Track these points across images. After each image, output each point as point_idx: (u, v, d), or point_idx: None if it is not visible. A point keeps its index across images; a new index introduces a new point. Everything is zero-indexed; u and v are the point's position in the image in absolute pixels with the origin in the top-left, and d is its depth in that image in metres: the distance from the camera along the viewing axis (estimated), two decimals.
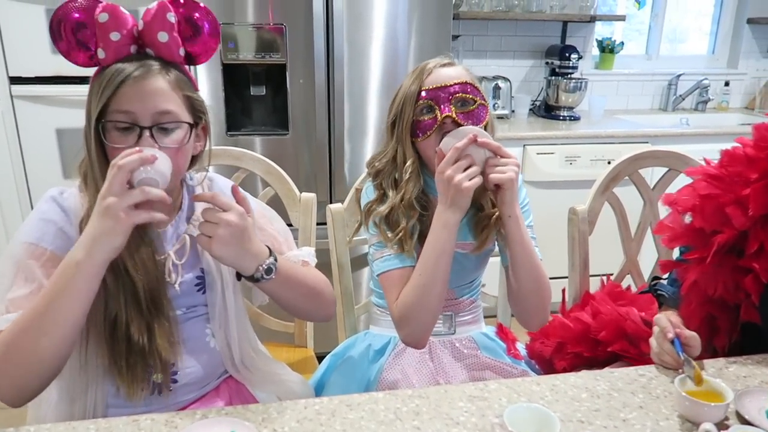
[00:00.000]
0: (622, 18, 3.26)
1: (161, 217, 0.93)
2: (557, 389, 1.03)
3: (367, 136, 2.41)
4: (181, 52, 1.06)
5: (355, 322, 1.59)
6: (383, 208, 1.24)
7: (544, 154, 2.76)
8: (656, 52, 3.62)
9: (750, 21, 3.54)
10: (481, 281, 1.41)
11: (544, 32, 3.30)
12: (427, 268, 1.17)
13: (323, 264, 1.29)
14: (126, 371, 1.01)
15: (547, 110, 3.26)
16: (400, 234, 1.22)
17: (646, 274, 1.67)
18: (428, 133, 1.19)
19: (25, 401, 0.97)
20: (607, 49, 3.42)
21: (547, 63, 3.29)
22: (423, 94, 1.20)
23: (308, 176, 2.39)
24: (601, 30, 3.47)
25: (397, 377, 1.29)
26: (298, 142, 2.36)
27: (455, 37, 2.97)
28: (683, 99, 3.53)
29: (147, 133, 0.98)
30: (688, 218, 1.19)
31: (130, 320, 1.00)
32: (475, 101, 1.19)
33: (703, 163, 1.22)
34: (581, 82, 3.15)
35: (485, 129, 1.22)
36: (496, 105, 3.10)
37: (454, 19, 2.40)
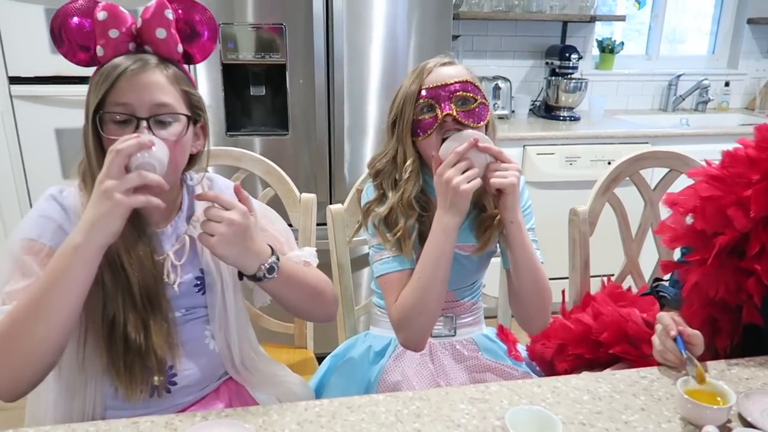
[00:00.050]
0: (622, 18, 3.25)
1: (158, 203, 0.92)
2: (558, 391, 1.02)
3: (367, 136, 2.41)
4: (179, 48, 1.06)
5: (355, 323, 1.59)
6: (382, 210, 1.23)
7: (544, 154, 2.76)
8: (656, 53, 3.62)
9: (750, 21, 3.53)
10: (482, 282, 1.41)
11: (544, 32, 3.29)
12: (426, 271, 1.16)
13: (323, 265, 1.28)
14: (124, 371, 1.00)
15: (547, 110, 3.25)
16: (399, 233, 1.21)
17: (647, 275, 1.67)
18: (429, 132, 1.19)
19: (19, 394, 0.95)
20: (607, 49, 3.41)
21: (547, 63, 3.28)
22: (423, 92, 1.19)
23: (308, 176, 2.38)
24: (600, 30, 3.46)
25: (398, 379, 1.29)
26: (298, 142, 2.36)
27: (455, 37, 2.97)
28: (683, 99, 3.53)
29: (144, 123, 0.98)
30: (689, 219, 1.18)
31: (127, 320, 0.99)
32: (476, 100, 1.19)
33: (704, 163, 1.22)
34: (581, 83, 3.15)
35: (486, 128, 1.22)
36: (496, 105, 3.10)
37: (453, 19, 2.39)
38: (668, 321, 1.10)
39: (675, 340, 1.07)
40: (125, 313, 0.99)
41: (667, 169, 1.66)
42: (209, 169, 1.17)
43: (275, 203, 1.44)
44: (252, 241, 1.00)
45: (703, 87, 3.50)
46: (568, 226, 1.59)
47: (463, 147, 1.11)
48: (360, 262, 1.64)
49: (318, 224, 1.58)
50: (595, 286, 1.58)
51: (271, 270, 1.03)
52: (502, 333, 1.44)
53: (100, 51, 1.01)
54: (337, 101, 2.29)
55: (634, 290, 1.57)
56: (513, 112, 3.21)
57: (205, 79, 2.22)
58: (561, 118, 3.16)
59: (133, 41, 1.03)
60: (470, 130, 1.16)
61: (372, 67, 2.33)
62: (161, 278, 1.05)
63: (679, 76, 3.48)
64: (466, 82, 1.19)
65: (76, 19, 1.01)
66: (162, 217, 1.10)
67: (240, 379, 1.18)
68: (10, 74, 2.26)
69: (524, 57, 3.33)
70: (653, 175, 1.68)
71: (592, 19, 3.16)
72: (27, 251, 0.98)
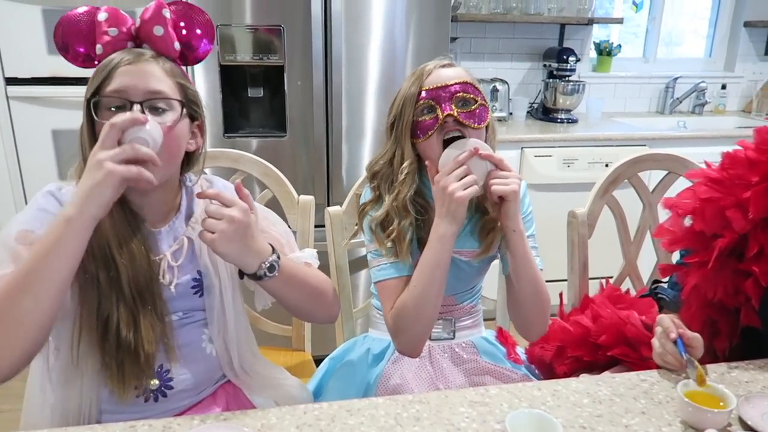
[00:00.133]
0: (619, 21, 3.26)
1: (150, 177, 0.92)
2: (559, 394, 1.02)
3: (365, 138, 2.41)
4: (176, 46, 1.07)
5: (353, 326, 1.58)
6: (379, 213, 1.23)
7: (542, 156, 2.76)
8: (653, 55, 3.62)
9: (747, 24, 3.54)
10: (481, 286, 1.40)
11: (541, 35, 3.30)
12: (423, 280, 1.16)
13: (321, 267, 1.28)
14: (116, 370, 1.00)
15: (544, 113, 3.26)
16: (393, 234, 1.21)
17: (645, 277, 1.67)
18: (429, 133, 1.18)
19: (3, 374, 0.93)
20: (605, 51, 3.42)
21: (544, 65, 3.28)
22: (423, 94, 1.19)
23: (306, 178, 2.38)
24: (597, 33, 3.47)
25: (397, 382, 1.28)
26: (296, 143, 2.35)
27: (453, 39, 2.97)
28: (680, 102, 3.54)
29: (137, 107, 0.98)
30: (688, 221, 1.18)
31: (120, 318, 0.99)
32: (476, 101, 1.18)
33: (703, 165, 1.22)
34: (579, 85, 3.15)
35: (486, 130, 1.21)
36: (493, 107, 3.10)
37: (452, 21, 2.39)
38: (668, 324, 1.10)
39: (675, 342, 1.07)
40: (118, 312, 0.99)
41: (666, 172, 1.66)
42: (207, 170, 1.17)
43: (273, 205, 1.43)
44: (253, 239, 0.99)
45: (700, 90, 3.51)
46: (567, 229, 1.59)
47: (464, 155, 1.10)
48: (358, 264, 1.63)
49: (316, 226, 1.58)
50: (593, 289, 1.58)
51: (272, 268, 1.02)
52: (501, 336, 1.44)
53: (99, 49, 1.03)
54: (335, 103, 2.29)
55: (633, 293, 1.57)
56: (511, 114, 3.21)
57: (203, 80, 2.21)
58: (558, 120, 3.17)
59: (131, 40, 1.05)
60: (472, 139, 1.15)
61: (370, 69, 2.33)
62: (156, 278, 1.04)
63: (676, 78, 3.49)
64: (466, 83, 1.19)
65: (78, 26, 1.04)
66: (159, 217, 1.10)
67: (238, 382, 1.18)
68: (7, 75, 2.25)
69: (522, 59, 3.33)
70: (650, 178, 1.68)
71: (590, 22, 3.17)
72: (20, 241, 0.98)
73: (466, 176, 1.10)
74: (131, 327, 0.99)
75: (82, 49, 1.05)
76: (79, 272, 0.97)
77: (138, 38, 1.05)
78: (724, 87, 3.61)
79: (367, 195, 1.30)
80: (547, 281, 1.23)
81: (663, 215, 1.33)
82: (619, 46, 3.44)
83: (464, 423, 0.94)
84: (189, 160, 1.12)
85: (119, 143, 0.91)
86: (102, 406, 1.05)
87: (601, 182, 1.59)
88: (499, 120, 3.10)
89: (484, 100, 1.20)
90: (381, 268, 1.24)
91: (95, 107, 1.00)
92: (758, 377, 1.08)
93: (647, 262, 1.66)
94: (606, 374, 1.23)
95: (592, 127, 3.08)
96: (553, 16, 3.16)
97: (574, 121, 3.16)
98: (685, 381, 0.98)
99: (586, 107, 3.32)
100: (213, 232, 0.95)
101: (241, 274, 1.05)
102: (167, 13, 1.05)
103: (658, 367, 1.13)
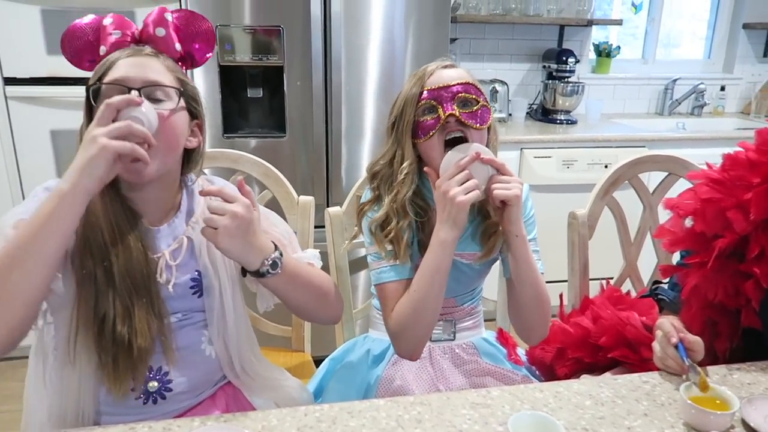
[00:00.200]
0: (618, 22, 3.27)
1: (143, 154, 0.93)
2: (561, 396, 1.02)
3: (364, 139, 2.40)
4: (178, 47, 1.10)
5: (353, 326, 1.58)
6: (379, 215, 1.22)
7: (541, 157, 2.76)
8: (652, 57, 3.63)
9: (746, 26, 3.55)
10: (482, 288, 1.40)
11: (541, 36, 3.30)
12: (422, 285, 1.16)
13: (322, 267, 1.27)
14: (111, 366, 0.99)
15: (544, 114, 3.26)
16: (391, 235, 1.20)
17: (646, 278, 1.67)
18: (431, 134, 1.17)
19: None
20: (604, 53, 3.42)
21: (544, 67, 3.28)
22: (425, 94, 1.18)
23: (305, 179, 2.37)
24: (596, 34, 3.47)
25: (397, 383, 1.28)
26: (295, 144, 2.35)
27: (452, 41, 2.97)
28: (679, 103, 3.54)
29: (135, 92, 0.99)
30: (688, 222, 1.18)
31: (116, 315, 0.98)
32: (478, 102, 1.18)
33: (703, 167, 1.21)
34: (578, 86, 3.15)
35: (488, 131, 1.21)
36: (493, 108, 3.07)
37: (451, 22, 2.39)
38: (669, 328, 1.10)
39: (676, 347, 1.07)
40: (114, 308, 0.99)
41: (666, 173, 1.66)
42: (206, 171, 1.17)
43: (273, 205, 1.43)
44: (255, 235, 0.99)
45: (699, 91, 3.51)
46: (567, 230, 1.58)
47: (465, 160, 1.10)
48: (358, 264, 1.63)
49: (315, 227, 1.57)
50: (593, 290, 1.58)
51: (274, 265, 1.02)
52: (502, 336, 1.44)
53: (103, 50, 1.06)
54: (334, 103, 2.28)
55: (633, 294, 1.57)
56: (510, 115, 3.21)
57: (203, 80, 2.21)
58: (558, 121, 3.17)
59: (134, 42, 1.08)
60: (474, 144, 1.15)
61: (370, 70, 2.33)
62: (153, 276, 1.04)
63: (675, 80, 3.49)
64: (468, 84, 1.18)
65: (85, 37, 1.07)
66: (159, 216, 1.09)
67: (239, 383, 1.17)
68: (5, 75, 2.24)
69: (521, 60, 3.33)
70: (649, 179, 1.68)
71: (589, 23, 3.17)
72: (15, 228, 0.97)
73: (467, 181, 1.10)
74: (126, 321, 0.99)
75: (88, 57, 1.08)
76: (76, 268, 0.98)
77: (141, 41, 1.08)
78: (722, 89, 3.61)
79: (367, 196, 1.30)
80: (547, 282, 1.23)
81: (663, 216, 1.32)
82: (618, 47, 3.44)
83: (466, 425, 0.93)
84: (189, 158, 1.12)
85: (114, 121, 0.92)
86: (101, 408, 1.04)
87: (601, 183, 1.59)
88: (499, 121, 3.10)
89: (486, 101, 1.20)
90: (381, 270, 1.23)
91: (95, 95, 1.01)
92: (760, 379, 1.08)
93: (647, 263, 1.66)
94: (607, 375, 1.23)
95: (591, 129, 3.08)
96: (553, 17, 3.17)
97: (573, 123, 3.16)
98: (687, 383, 0.98)
99: (586, 108, 3.32)
100: (215, 228, 0.95)
101: (244, 271, 1.05)
102: (169, 16, 1.08)
103: (658, 368, 1.13)
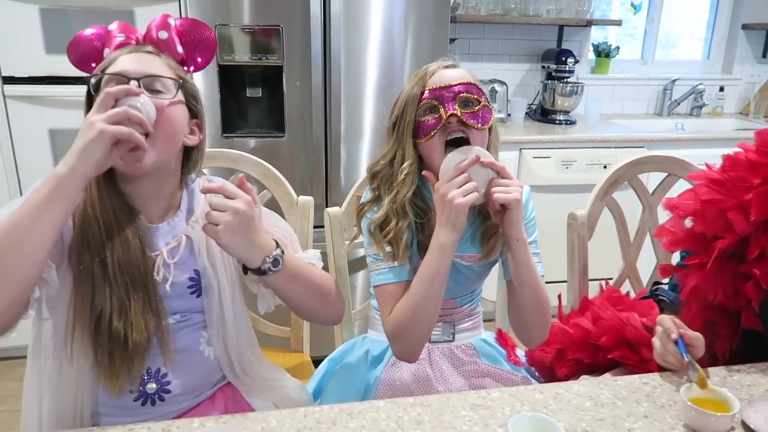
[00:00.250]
0: (618, 23, 3.27)
1: (140, 139, 0.94)
2: (561, 398, 1.02)
3: (364, 139, 2.40)
4: (179, 49, 1.11)
5: (352, 327, 1.57)
6: (378, 216, 1.22)
7: (541, 158, 2.76)
8: (651, 57, 3.63)
9: (745, 27, 3.55)
10: (481, 289, 1.40)
11: (540, 36, 3.29)
12: (421, 288, 1.16)
13: (321, 268, 1.27)
14: (107, 362, 0.99)
15: (543, 114, 3.26)
16: (390, 235, 1.20)
17: (645, 279, 1.67)
18: (432, 134, 1.17)
19: None
20: (603, 53, 3.42)
21: (543, 67, 3.28)
22: (426, 94, 1.18)
23: (304, 179, 2.37)
24: (595, 35, 3.47)
25: (396, 384, 1.28)
26: (294, 144, 2.34)
27: (452, 41, 2.97)
28: (678, 104, 3.54)
29: (134, 82, 1.00)
30: (688, 222, 1.18)
31: (113, 310, 0.99)
32: (480, 102, 1.18)
33: (703, 167, 1.21)
34: (577, 86, 3.15)
35: (489, 132, 1.21)
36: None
37: (450, 22, 2.38)
38: (669, 324, 1.10)
39: (676, 343, 1.07)
40: (111, 303, 0.99)
41: (666, 174, 1.65)
42: (205, 171, 1.17)
43: (272, 206, 1.43)
44: (256, 232, 0.99)
45: (698, 92, 3.51)
46: (567, 231, 1.58)
47: (465, 163, 1.09)
48: (357, 264, 1.62)
49: (314, 227, 1.57)
50: (592, 290, 1.58)
51: (275, 263, 1.02)
52: (501, 337, 1.43)
53: (106, 52, 1.08)
54: (333, 103, 2.28)
55: (632, 295, 1.56)
56: (509, 115, 3.21)
57: (201, 80, 2.20)
58: (557, 121, 3.17)
59: (137, 44, 1.10)
60: (476, 147, 1.14)
61: (369, 70, 2.33)
62: (151, 273, 1.04)
63: (674, 80, 3.49)
64: (470, 84, 1.18)
65: (91, 45, 1.09)
66: (158, 214, 1.09)
67: (239, 383, 1.17)
68: (4, 74, 2.23)
69: (521, 60, 3.33)
70: (648, 180, 1.68)
71: (589, 24, 3.17)
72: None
73: (467, 185, 1.09)
74: (122, 317, 0.99)
75: (93, 61, 1.10)
76: (73, 263, 0.98)
77: (144, 43, 1.10)
78: (721, 89, 3.62)
79: (367, 196, 1.29)
80: (546, 283, 1.23)
81: (663, 217, 1.32)
82: (617, 48, 3.44)
83: (466, 426, 0.93)
84: (189, 155, 1.12)
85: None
86: (100, 410, 1.04)
87: (601, 184, 1.58)
88: (498, 121, 3.09)
89: (488, 102, 1.19)
90: (380, 272, 1.23)
91: (95, 88, 1.03)
92: (761, 380, 1.08)
93: (647, 264, 1.66)
94: (607, 376, 1.23)
95: (590, 129, 3.08)
96: (552, 17, 3.17)
97: (572, 123, 3.16)
98: (687, 385, 0.98)
99: (585, 109, 3.32)
100: (217, 225, 0.95)
101: (245, 269, 1.05)
102: (173, 21, 1.11)
103: (659, 369, 1.13)
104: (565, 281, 1.61)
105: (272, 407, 1.17)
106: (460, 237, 1.13)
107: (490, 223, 1.24)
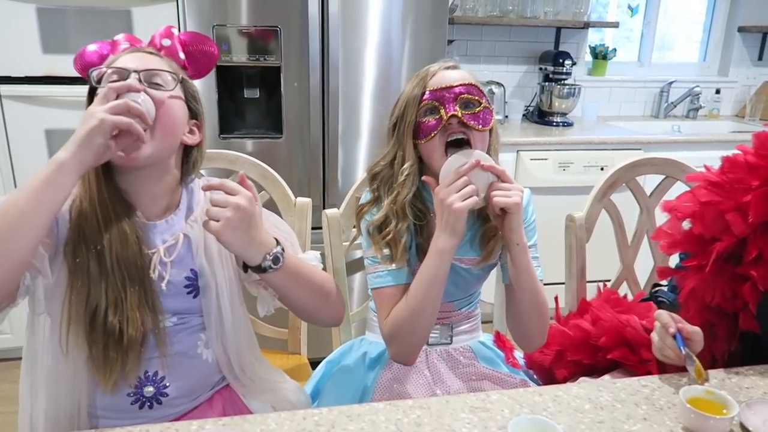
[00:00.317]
0: (615, 25, 3.28)
1: (139, 131, 0.95)
2: (560, 400, 1.01)
3: (361, 140, 2.40)
4: (181, 55, 1.13)
5: (350, 329, 1.57)
6: (377, 217, 1.22)
7: (538, 159, 2.76)
8: (648, 59, 3.64)
9: (741, 29, 3.56)
10: (480, 292, 1.40)
11: (537, 38, 3.30)
12: (419, 291, 1.15)
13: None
14: (101, 358, 0.98)
15: (540, 116, 3.26)
16: (388, 237, 1.19)
17: (642, 281, 1.67)
18: (432, 135, 1.17)
19: None
20: (600, 55, 3.43)
21: (540, 69, 3.29)
22: (427, 94, 1.18)
23: (301, 180, 2.37)
24: (592, 37, 3.48)
25: (394, 387, 1.27)
26: (292, 145, 2.34)
27: (449, 42, 2.97)
28: (675, 106, 3.55)
29: (135, 75, 1.01)
30: (687, 224, 1.18)
31: (108, 305, 0.98)
32: (481, 103, 1.17)
33: (701, 169, 1.22)
34: (574, 88, 3.16)
35: (490, 133, 1.20)
36: None
37: (448, 23, 2.38)
38: (667, 319, 1.10)
39: (674, 337, 1.07)
40: (107, 299, 0.98)
41: (663, 176, 1.66)
42: (203, 171, 1.17)
43: (270, 207, 1.42)
44: (257, 228, 0.99)
45: (695, 94, 3.53)
46: (565, 233, 1.58)
47: (465, 167, 1.09)
48: (355, 266, 1.62)
49: (312, 228, 1.56)
50: (590, 292, 1.58)
51: (276, 260, 1.02)
52: (499, 340, 1.43)
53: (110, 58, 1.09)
54: (331, 104, 2.28)
55: (630, 297, 1.56)
56: (506, 117, 3.21)
57: (199, 80, 2.18)
58: (554, 123, 3.17)
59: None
60: (476, 151, 1.14)
61: (367, 71, 2.32)
62: (147, 270, 1.03)
63: (671, 83, 3.50)
64: (471, 85, 1.18)
65: (99, 52, 1.11)
66: (156, 212, 1.09)
67: (238, 385, 1.17)
68: (0, 74, 2.22)
69: (518, 62, 3.34)
70: (645, 183, 1.68)
71: (586, 26, 3.18)
72: None
73: (466, 189, 1.09)
74: (117, 311, 0.99)
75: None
76: (68, 257, 0.98)
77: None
78: (718, 92, 3.63)
79: (366, 197, 1.29)
80: (544, 285, 1.23)
81: (660, 219, 1.32)
82: (614, 50, 3.45)
83: (465, 429, 0.93)
84: (189, 154, 1.12)
85: None
86: (98, 412, 1.04)
87: (599, 186, 1.59)
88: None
89: (488, 103, 1.19)
90: (378, 275, 1.23)
91: (97, 82, 1.04)
92: (759, 383, 1.08)
93: (644, 266, 1.66)
94: (606, 378, 1.23)
95: (587, 131, 3.09)
96: (549, 19, 3.17)
97: (569, 125, 3.17)
98: (686, 387, 0.98)
99: (582, 111, 3.33)
100: (218, 221, 0.94)
101: (245, 267, 1.04)
102: (175, 31, 1.14)
103: (658, 370, 1.13)
104: (563, 283, 1.61)
105: (270, 410, 1.17)
106: (459, 242, 1.13)
107: (489, 226, 1.24)
